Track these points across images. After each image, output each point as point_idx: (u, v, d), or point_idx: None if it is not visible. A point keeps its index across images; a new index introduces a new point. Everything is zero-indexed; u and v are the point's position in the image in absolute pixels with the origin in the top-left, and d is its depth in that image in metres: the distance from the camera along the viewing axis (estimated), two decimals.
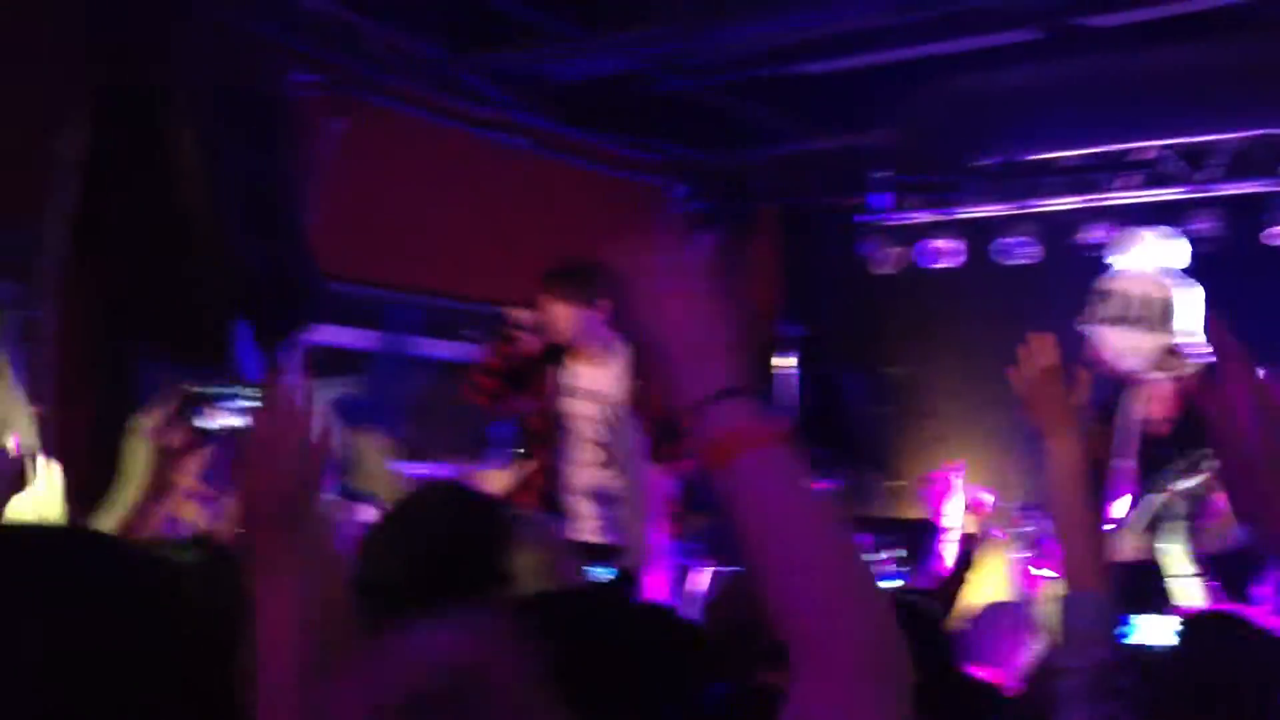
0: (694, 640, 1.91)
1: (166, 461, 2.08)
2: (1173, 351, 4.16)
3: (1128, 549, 3.93)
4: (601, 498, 4.82)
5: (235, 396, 2.20)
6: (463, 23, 6.43)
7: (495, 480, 5.90)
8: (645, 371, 4.98)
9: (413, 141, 7.09)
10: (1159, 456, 4.12)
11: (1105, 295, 4.24)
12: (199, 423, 2.18)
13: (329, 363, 6.76)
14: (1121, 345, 4.14)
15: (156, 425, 2.10)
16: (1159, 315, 4.15)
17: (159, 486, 2.07)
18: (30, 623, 1.15)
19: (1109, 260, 4.44)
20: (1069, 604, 2.07)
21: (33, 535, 1.41)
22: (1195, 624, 2.36)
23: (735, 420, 1.24)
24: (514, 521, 2.34)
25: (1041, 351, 2.32)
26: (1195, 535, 3.90)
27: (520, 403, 5.21)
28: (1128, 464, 4.14)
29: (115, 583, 1.25)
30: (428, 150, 7.15)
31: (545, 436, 5.10)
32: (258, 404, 2.17)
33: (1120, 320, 4.13)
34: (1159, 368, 4.17)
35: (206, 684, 1.28)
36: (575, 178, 7.95)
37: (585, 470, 4.99)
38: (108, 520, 2.04)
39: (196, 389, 2.23)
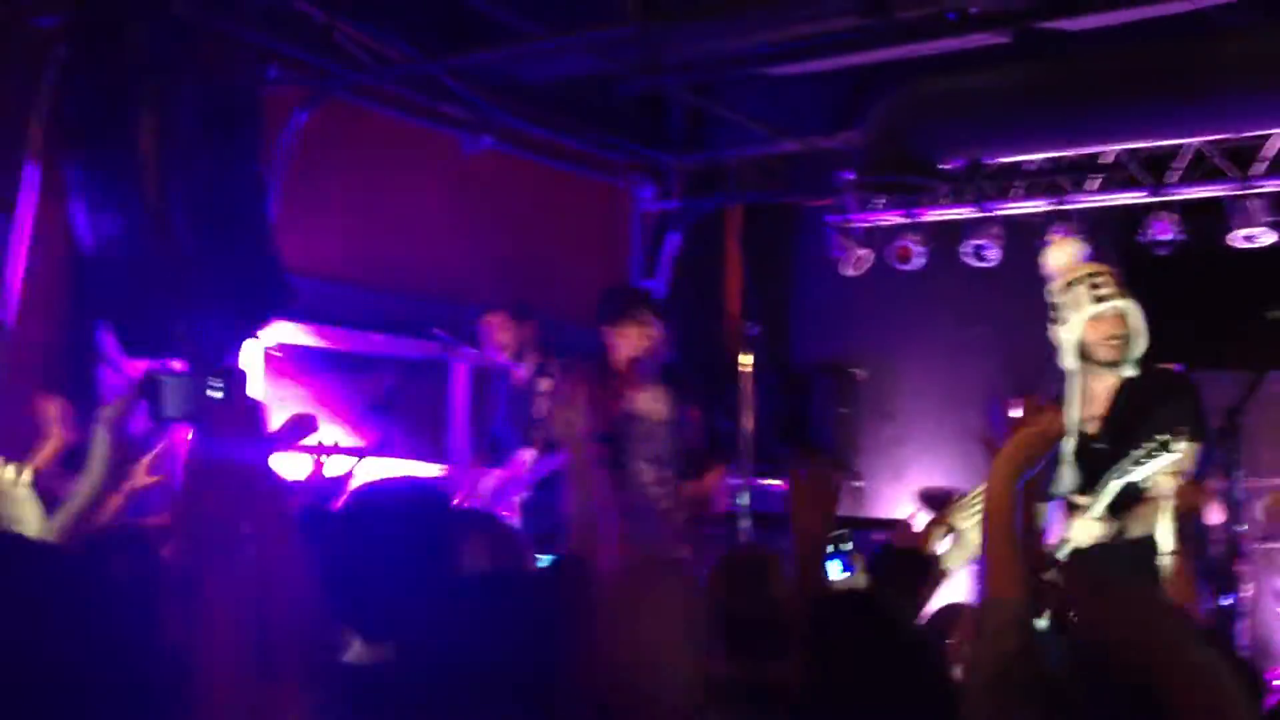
0: None
1: (125, 449, 2.09)
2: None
3: (1089, 535, 4.03)
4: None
5: (196, 385, 2.20)
6: (434, 22, 6.44)
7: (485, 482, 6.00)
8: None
9: (384, 139, 7.09)
10: (1095, 454, 4.21)
11: (1078, 282, 4.31)
12: (159, 411, 2.19)
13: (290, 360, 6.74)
14: (1104, 331, 4.25)
15: (116, 413, 2.10)
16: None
17: (118, 474, 2.07)
18: None
19: (1049, 264, 4.60)
20: (986, 607, 2.21)
21: None
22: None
23: None
24: (464, 515, 2.37)
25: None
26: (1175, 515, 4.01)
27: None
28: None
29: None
30: (398, 147, 7.16)
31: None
32: (218, 394, 2.18)
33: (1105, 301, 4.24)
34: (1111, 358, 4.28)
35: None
36: (544, 177, 7.97)
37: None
38: (69, 508, 2.04)
39: (157, 377, 2.23)
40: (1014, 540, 2.32)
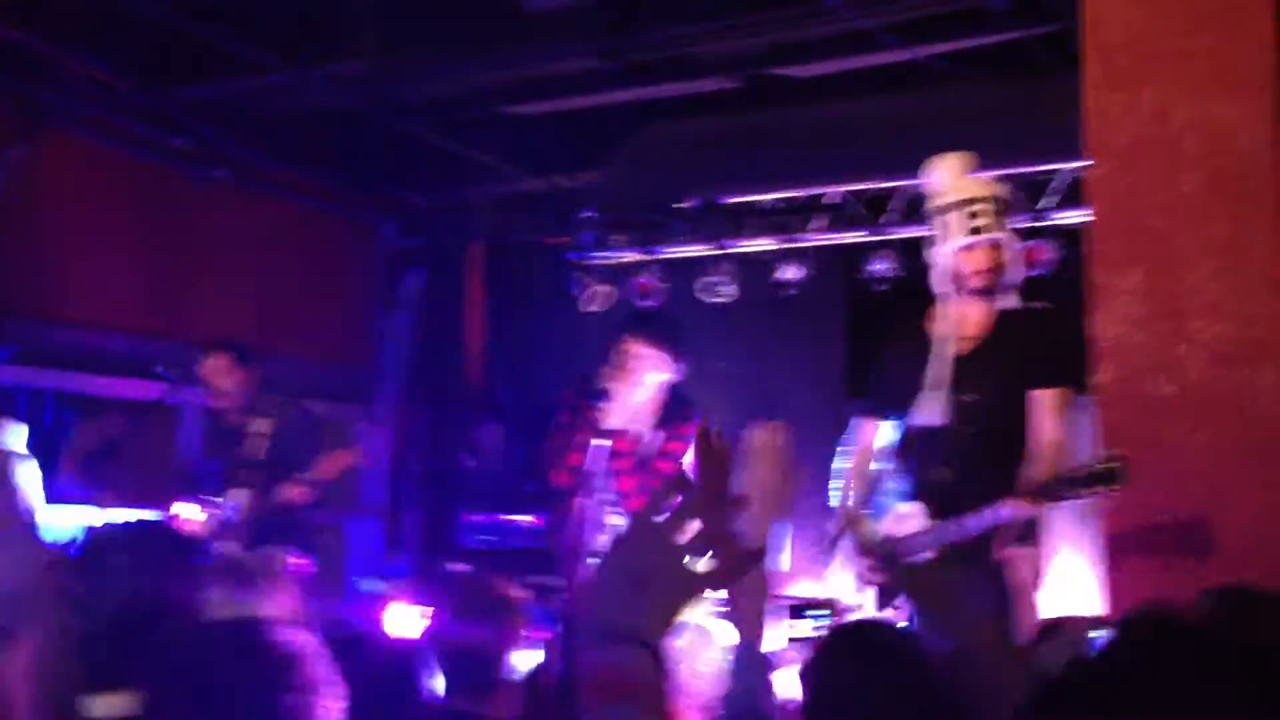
0: None
1: None
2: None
3: None
4: None
5: None
6: (164, 54, 6.25)
7: (191, 519, 5.72)
8: None
9: (106, 172, 6.82)
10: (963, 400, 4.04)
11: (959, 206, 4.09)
12: None
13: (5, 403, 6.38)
14: (975, 262, 4.05)
15: None
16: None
17: None
18: None
19: (933, 179, 4.20)
20: (738, 652, 2.29)
21: None
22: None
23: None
24: (202, 558, 2.32)
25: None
26: None
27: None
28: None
29: None
30: (122, 182, 6.90)
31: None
32: None
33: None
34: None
35: None
36: (283, 212, 7.82)
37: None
38: None
39: None
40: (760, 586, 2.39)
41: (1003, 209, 4.08)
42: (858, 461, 4.21)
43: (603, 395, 4.55)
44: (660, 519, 1.46)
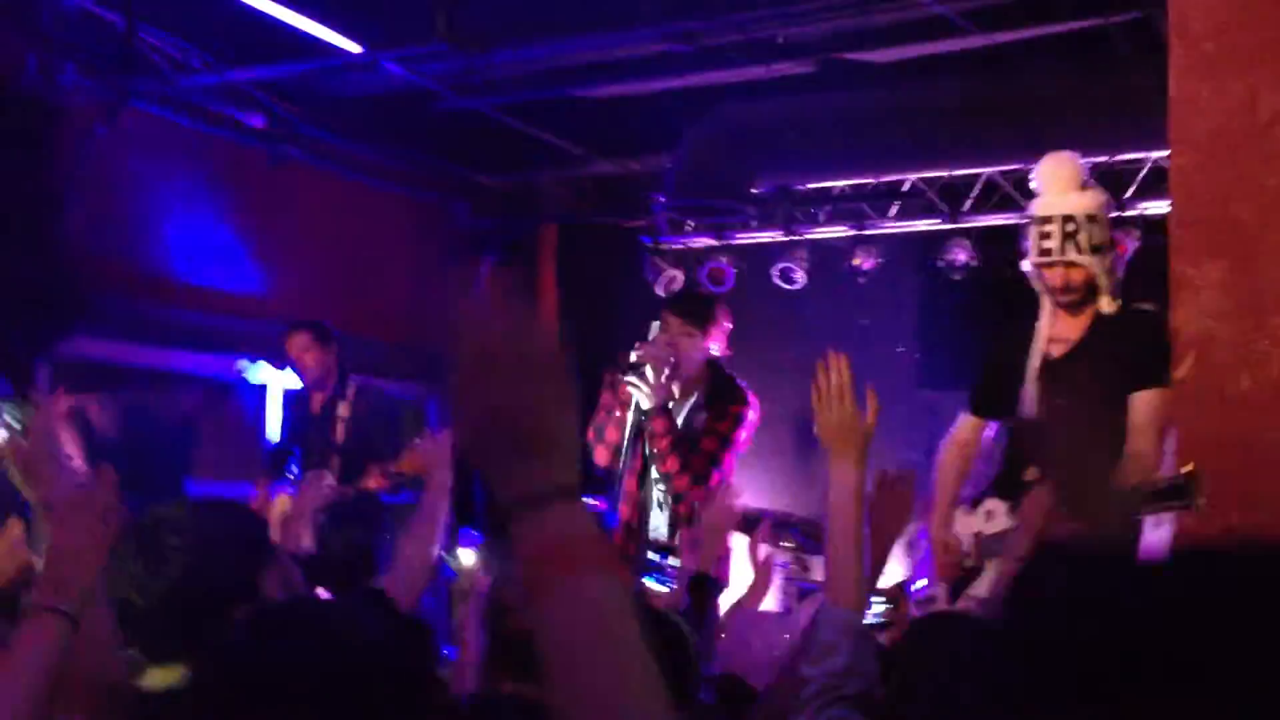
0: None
1: None
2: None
3: None
4: None
5: None
6: (242, 34, 6.32)
7: (278, 504, 5.79)
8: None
9: (188, 149, 6.92)
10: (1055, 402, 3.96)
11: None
12: None
13: (90, 378, 6.51)
14: (1054, 281, 4.00)
15: None
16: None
17: None
18: None
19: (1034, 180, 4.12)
20: (821, 616, 2.24)
21: None
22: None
23: (565, 530, 1.07)
24: (264, 536, 2.35)
25: (838, 369, 2.45)
26: None
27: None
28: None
29: None
30: (203, 159, 6.99)
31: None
32: (16, 420, 2.11)
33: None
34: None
35: None
36: (357, 192, 7.88)
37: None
38: None
39: None
40: (859, 543, 2.34)
41: (1077, 230, 3.96)
42: (952, 456, 4.17)
43: (641, 373, 4.56)
44: None
